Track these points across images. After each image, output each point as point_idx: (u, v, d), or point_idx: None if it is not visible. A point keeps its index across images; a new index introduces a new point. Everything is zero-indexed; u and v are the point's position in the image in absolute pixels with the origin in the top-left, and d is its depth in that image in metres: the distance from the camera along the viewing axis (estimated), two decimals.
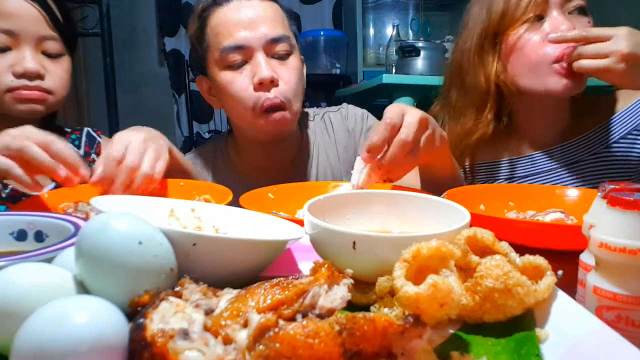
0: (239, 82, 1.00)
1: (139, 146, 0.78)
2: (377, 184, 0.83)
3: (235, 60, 0.99)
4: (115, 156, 0.75)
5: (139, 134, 0.82)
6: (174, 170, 0.91)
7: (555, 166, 1.07)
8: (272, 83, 0.99)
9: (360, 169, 0.76)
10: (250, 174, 1.13)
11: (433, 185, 0.89)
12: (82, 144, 1.12)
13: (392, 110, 0.74)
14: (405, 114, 0.74)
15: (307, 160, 1.16)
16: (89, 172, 0.72)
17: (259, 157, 1.14)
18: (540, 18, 0.97)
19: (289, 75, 1.02)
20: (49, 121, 1.05)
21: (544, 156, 1.08)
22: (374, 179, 0.76)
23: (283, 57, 1.02)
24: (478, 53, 1.03)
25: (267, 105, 0.98)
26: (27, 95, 0.94)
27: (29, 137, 0.69)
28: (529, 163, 1.09)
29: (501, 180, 1.11)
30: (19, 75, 0.92)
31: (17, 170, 0.67)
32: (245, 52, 0.99)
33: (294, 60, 1.04)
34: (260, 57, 0.99)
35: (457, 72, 1.10)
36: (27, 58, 0.93)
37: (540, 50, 0.95)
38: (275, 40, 1.00)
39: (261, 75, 0.97)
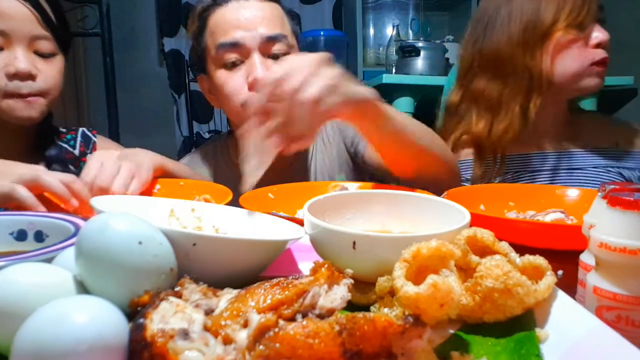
0: (234, 81, 1.00)
1: (111, 166, 0.77)
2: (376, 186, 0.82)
3: (230, 58, 0.99)
4: (86, 181, 0.74)
5: (113, 152, 0.82)
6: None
7: (594, 164, 1.13)
8: None
9: (251, 152, 0.63)
10: None
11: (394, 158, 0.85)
12: (77, 144, 1.12)
13: (279, 67, 0.64)
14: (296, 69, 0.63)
15: (305, 162, 1.16)
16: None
17: None
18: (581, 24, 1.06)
19: None
20: (44, 122, 1.05)
21: (586, 154, 1.14)
22: (271, 150, 0.62)
23: (280, 57, 1.01)
24: (523, 45, 1.06)
25: None
26: (23, 101, 0.93)
27: (43, 171, 0.71)
28: (568, 158, 1.13)
29: (538, 173, 1.14)
30: (11, 76, 0.92)
31: (22, 191, 0.68)
32: (241, 51, 0.99)
33: None
34: (255, 56, 0.98)
35: (490, 60, 1.11)
36: (19, 58, 0.92)
37: (586, 52, 1.05)
38: (271, 39, 1.00)
39: (256, 75, 0.97)
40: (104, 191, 0.75)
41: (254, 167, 0.63)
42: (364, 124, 0.77)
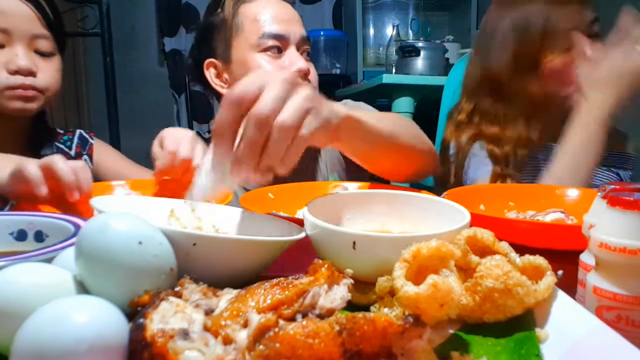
0: (274, 67, 1.05)
1: (189, 141, 0.82)
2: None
3: (271, 46, 1.05)
4: (171, 149, 0.80)
5: (186, 131, 0.87)
6: None
7: None
8: (306, 76, 1.06)
9: (209, 168, 0.53)
10: None
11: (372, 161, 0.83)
12: (74, 145, 1.13)
13: (247, 80, 0.52)
14: (266, 86, 0.51)
15: (304, 162, 1.16)
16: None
17: None
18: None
19: (314, 74, 1.10)
20: (38, 120, 1.06)
21: None
22: (235, 178, 0.52)
23: (307, 57, 1.11)
24: (516, 71, 1.10)
25: None
26: (22, 93, 0.94)
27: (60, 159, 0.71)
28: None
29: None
30: (12, 73, 0.93)
31: (32, 168, 0.68)
32: (282, 42, 1.06)
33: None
34: (294, 49, 1.07)
35: (493, 83, 1.14)
36: (20, 56, 0.94)
37: (574, 73, 1.04)
38: (306, 39, 1.10)
39: (300, 65, 1.04)
40: (187, 162, 0.79)
41: (207, 183, 0.53)
42: (342, 144, 0.71)
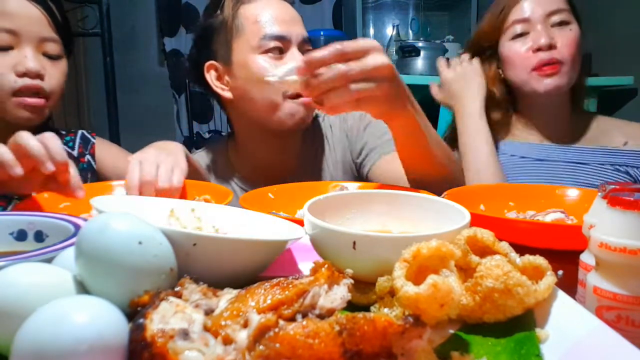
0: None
1: (150, 163, 0.80)
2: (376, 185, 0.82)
3: (273, 47, 1.03)
4: (135, 183, 0.77)
5: (150, 150, 0.85)
6: (193, 173, 0.92)
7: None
8: None
9: (290, 69, 0.72)
10: (251, 179, 1.13)
11: (411, 166, 0.91)
12: (76, 145, 1.13)
13: (358, 41, 0.70)
14: (370, 53, 0.70)
15: (308, 166, 1.16)
16: (77, 173, 0.70)
17: (261, 159, 1.13)
18: (525, 33, 1.15)
19: None
20: (43, 124, 1.06)
21: (592, 150, 1.20)
22: (301, 91, 0.73)
23: None
24: (481, 60, 1.23)
25: (297, 94, 1.01)
26: (31, 102, 0.94)
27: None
28: (571, 152, 1.18)
29: (541, 162, 1.20)
30: (20, 75, 0.93)
31: (8, 155, 0.65)
32: (284, 43, 1.04)
33: None
34: (295, 50, 1.05)
35: None
36: (29, 57, 0.93)
37: (524, 60, 1.14)
38: (307, 40, 1.08)
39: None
40: (152, 188, 0.77)
41: (283, 76, 0.72)
42: (391, 125, 0.85)
